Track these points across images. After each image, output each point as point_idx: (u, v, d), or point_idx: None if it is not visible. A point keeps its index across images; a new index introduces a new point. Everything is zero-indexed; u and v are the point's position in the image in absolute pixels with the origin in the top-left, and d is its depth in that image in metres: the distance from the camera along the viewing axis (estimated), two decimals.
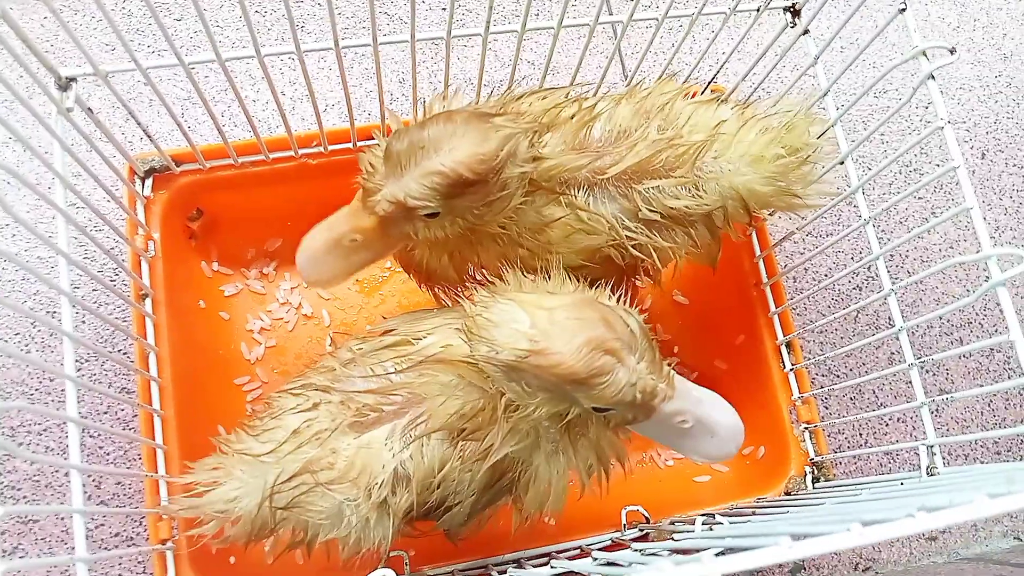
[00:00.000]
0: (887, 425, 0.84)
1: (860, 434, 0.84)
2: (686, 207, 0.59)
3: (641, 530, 0.67)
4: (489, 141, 0.52)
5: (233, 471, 0.53)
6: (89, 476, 0.71)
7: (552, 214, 0.58)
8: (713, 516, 0.54)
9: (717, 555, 0.29)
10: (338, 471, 0.51)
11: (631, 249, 0.59)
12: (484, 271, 0.61)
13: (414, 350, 0.54)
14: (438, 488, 0.51)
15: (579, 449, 0.53)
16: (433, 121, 0.52)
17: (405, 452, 0.50)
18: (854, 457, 0.82)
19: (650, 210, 0.58)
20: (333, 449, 0.51)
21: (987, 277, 0.48)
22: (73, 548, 0.46)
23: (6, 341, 0.74)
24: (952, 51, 0.47)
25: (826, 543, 0.29)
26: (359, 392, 0.53)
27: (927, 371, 0.86)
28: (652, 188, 0.58)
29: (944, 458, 0.56)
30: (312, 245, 0.56)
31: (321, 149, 0.72)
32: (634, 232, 0.59)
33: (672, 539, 0.51)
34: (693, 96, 0.64)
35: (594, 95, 0.72)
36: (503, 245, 0.59)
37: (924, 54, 0.51)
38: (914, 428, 0.85)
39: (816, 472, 0.71)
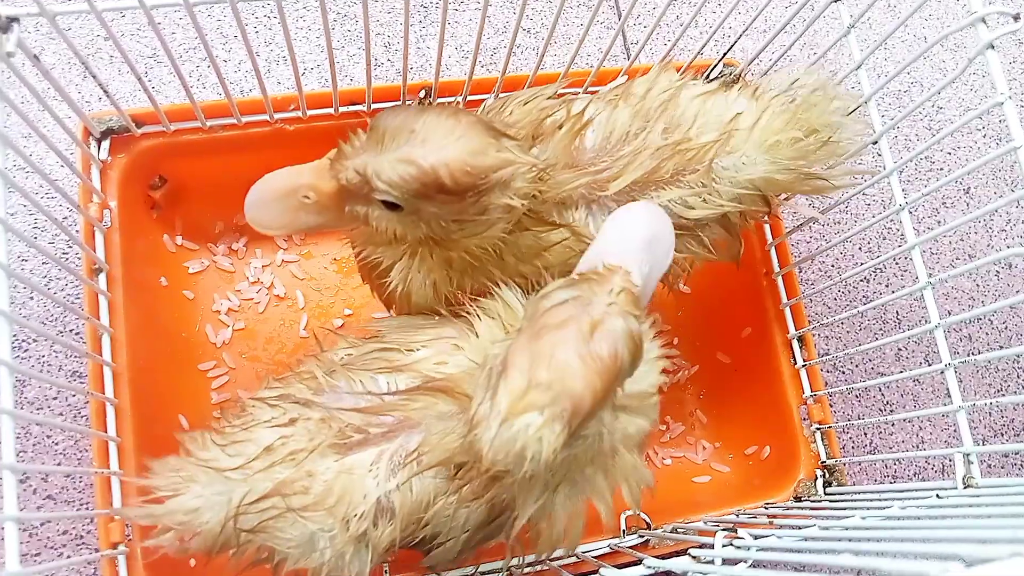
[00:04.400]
0: (892, 425, 0.80)
1: (865, 434, 0.80)
2: (699, 218, 0.54)
3: (641, 536, 0.63)
4: (486, 156, 0.46)
5: (197, 477, 0.46)
6: None
7: (550, 238, 0.53)
8: (735, 531, 0.49)
9: None
10: (313, 496, 0.44)
11: None
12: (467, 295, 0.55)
13: (405, 362, 0.48)
14: (427, 526, 0.45)
15: (605, 479, 0.48)
16: (436, 110, 0.46)
17: (391, 482, 0.44)
18: (856, 461, 0.78)
19: None
20: (309, 472, 0.45)
21: (997, 276, 0.43)
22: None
23: None
24: (1016, 17, 0.42)
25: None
26: (344, 410, 0.46)
27: (933, 377, 0.82)
28: (658, 201, 0.53)
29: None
30: (266, 187, 0.50)
31: (299, 114, 0.66)
32: None
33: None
34: (697, 73, 0.58)
35: (594, 73, 0.66)
36: (479, 269, 0.53)
37: (983, 21, 0.45)
38: (920, 429, 0.81)
39: (827, 476, 0.66)
